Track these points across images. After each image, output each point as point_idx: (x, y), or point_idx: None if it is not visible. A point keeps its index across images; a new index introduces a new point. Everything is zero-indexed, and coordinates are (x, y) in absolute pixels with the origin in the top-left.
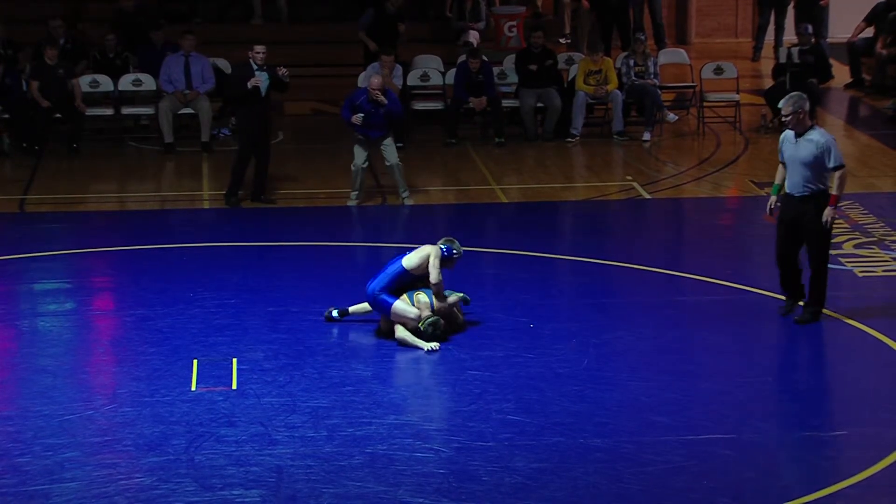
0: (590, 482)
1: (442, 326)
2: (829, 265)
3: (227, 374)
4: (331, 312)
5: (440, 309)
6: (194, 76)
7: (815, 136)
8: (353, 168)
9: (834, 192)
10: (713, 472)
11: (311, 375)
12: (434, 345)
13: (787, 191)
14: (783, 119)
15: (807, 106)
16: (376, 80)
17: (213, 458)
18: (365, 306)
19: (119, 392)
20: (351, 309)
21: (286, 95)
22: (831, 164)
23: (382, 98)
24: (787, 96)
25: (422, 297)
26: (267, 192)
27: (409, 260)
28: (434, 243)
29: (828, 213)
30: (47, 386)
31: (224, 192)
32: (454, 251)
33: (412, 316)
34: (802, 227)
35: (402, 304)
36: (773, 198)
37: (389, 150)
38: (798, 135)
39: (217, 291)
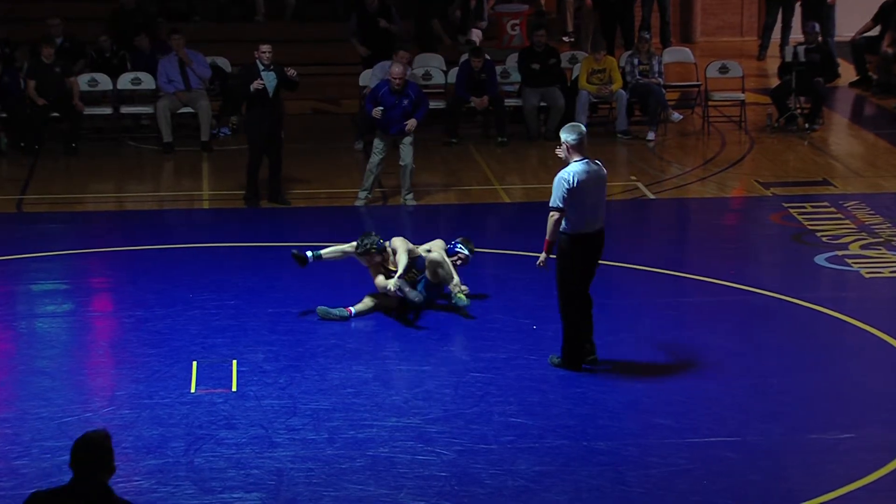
0: (593, 485)
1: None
2: (830, 265)
3: (227, 375)
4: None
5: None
6: (191, 74)
7: (561, 172)
8: (368, 166)
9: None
10: (717, 475)
11: (311, 377)
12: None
13: None
14: None
15: (570, 139)
16: (397, 69)
17: (213, 460)
18: (340, 248)
19: (118, 394)
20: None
21: (287, 94)
22: (550, 203)
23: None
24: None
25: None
26: (283, 193)
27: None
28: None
29: (540, 259)
30: (45, 388)
31: (242, 195)
32: (461, 250)
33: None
34: None
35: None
36: None
37: (406, 150)
38: None
39: (216, 292)
